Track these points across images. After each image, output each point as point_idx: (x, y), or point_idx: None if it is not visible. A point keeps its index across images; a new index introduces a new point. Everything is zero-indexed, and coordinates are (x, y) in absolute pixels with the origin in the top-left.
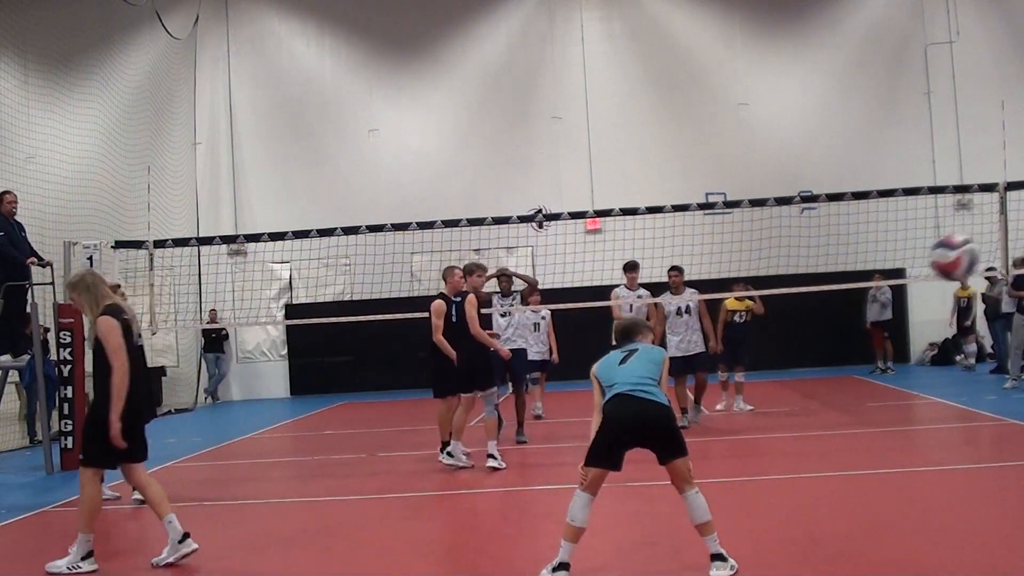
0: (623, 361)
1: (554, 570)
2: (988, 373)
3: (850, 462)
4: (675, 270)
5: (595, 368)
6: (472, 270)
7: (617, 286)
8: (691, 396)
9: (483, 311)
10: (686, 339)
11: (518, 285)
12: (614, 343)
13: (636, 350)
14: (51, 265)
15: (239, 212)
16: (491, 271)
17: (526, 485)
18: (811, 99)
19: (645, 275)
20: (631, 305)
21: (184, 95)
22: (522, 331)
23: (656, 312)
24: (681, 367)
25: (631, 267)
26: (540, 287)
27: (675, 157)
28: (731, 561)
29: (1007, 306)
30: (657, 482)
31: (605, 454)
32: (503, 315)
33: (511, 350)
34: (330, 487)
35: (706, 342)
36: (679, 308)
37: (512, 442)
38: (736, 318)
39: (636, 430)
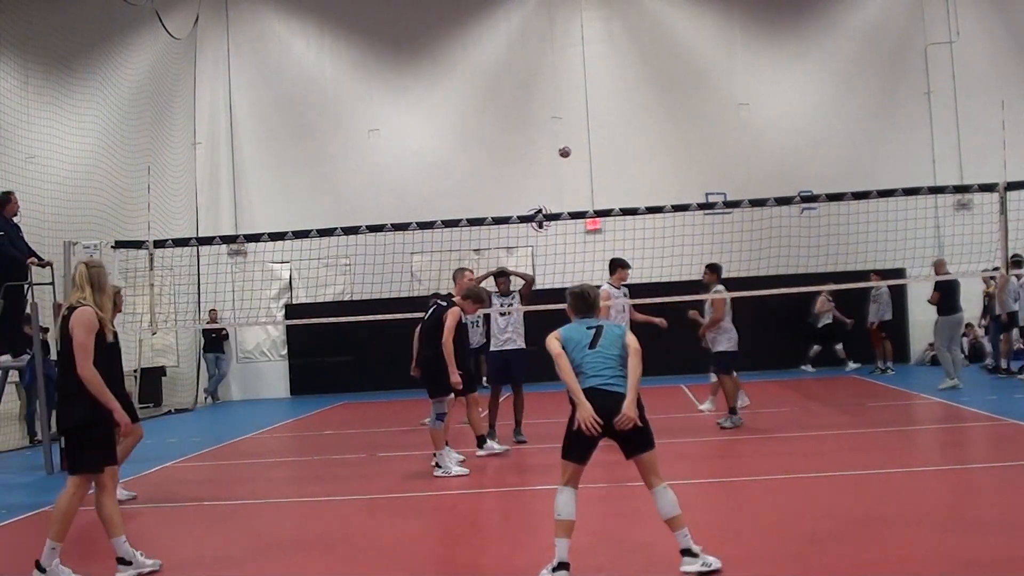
0: (592, 344)
1: (554, 570)
2: (987, 373)
3: (850, 462)
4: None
5: (560, 334)
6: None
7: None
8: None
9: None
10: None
11: (516, 284)
12: (574, 313)
13: (600, 328)
14: (51, 265)
15: (239, 212)
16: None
17: (526, 485)
18: (811, 99)
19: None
20: (623, 306)
21: (184, 95)
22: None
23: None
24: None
25: (622, 264)
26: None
27: (675, 157)
28: (704, 558)
29: (1001, 308)
30: None
31: (574, 448)
32: (502, 314)
33: (511, 350)
34: (330, 487)
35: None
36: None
37: (511, 442)
38: None
39: (605, 424)
